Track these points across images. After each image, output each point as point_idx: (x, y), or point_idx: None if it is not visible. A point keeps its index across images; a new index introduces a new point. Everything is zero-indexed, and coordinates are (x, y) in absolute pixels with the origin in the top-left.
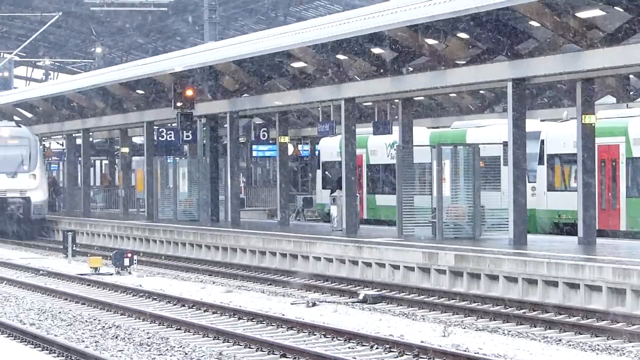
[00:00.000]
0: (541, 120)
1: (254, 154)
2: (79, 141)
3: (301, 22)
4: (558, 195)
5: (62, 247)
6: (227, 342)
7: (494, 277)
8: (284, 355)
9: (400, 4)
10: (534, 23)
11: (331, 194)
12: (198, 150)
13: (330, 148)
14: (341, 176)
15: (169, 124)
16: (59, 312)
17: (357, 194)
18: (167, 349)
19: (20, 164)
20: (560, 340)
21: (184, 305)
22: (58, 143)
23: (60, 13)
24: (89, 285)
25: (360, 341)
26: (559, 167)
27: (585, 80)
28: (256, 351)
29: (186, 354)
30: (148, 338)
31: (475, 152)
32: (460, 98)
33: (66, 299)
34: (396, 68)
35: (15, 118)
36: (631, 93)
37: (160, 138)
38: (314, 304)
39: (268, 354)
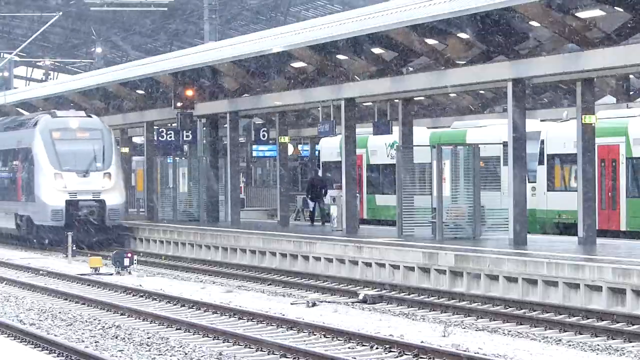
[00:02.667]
0: (541, 120)
1: (254, 154)
2: None
3: (301, 22)
4: (558, 195)
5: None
6: (227, 342)
7: (494, 277)
8: (284, 355)
9: (400, 4)
10: (534, 23)
11: (307, 196)
12: (198, 150)
13: (330, 148)
14: (314, 180)
15: (169, 124)
16: (59, 312)
17: (357, 194)
18: (167, 349)
19: (93, 161)
20: (560, 340)
21: (184, 305)
22: None
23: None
24: (89, 285)
25: (360, 341)
26: (559, 167)
27: (585, 80)
28: (256, 351)
29: (186, 354)
30: (148, 338)
31: (475, 152)
32: (460, 98)
33: (66, 299)
34: (396, 68)
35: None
36: (631, 93)
37: (160, 138)
38: (314, 304)
39: (268, 354)
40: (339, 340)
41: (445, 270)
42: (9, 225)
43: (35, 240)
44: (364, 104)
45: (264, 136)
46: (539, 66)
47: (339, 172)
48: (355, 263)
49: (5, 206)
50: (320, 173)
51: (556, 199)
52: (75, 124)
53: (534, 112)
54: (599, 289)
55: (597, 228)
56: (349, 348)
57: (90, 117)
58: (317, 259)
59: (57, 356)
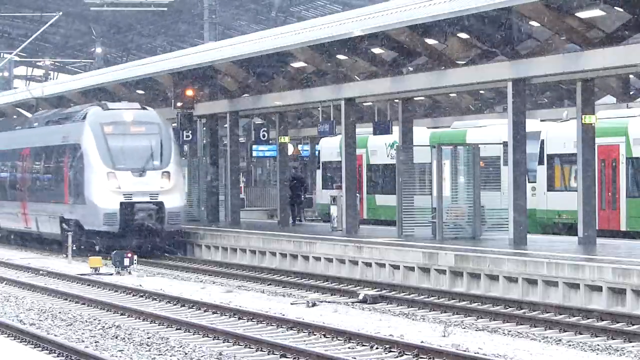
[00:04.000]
0: (541, 120)
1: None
2: None
3: (301, 22)
4: (558, 195)
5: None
6: (227, 342)
7: (494, 277)
8: (284, 355)
9: (400, 4)
10: (534, 23)
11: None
12: (198, 150)
13: (330, 148)
14: (294, 179)
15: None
16: (59, 312)
17: (357, 194)
18: (167, 349)
19: (150, 159)
20: (560, 340)
21: (184, 305)
22: None
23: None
24: (89, 285)
25: (360, 341)
26: (559, 167)
27: (585, 80)
28: (256, 351)
29: (186, 354)
30: (148, 338)
31: (475, 152)
32: (460, 98)
33: (66, 299)
34: (396, 68)
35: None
36: (631, 93)
37: None
38: (314, 304)
39: (268, 354)
40: (339, 340)
41: (445, 270)
42: (53, 230)
43: (83, 247)
44: (364, 104)
45: (264, 136)
46: (539, 66)
47: (339, 172)
48: (355, 263)
49: (49, 209)
50: (300, 172)
51: (556, 199)
52: (130, 116)
53: (534, 112)
54: (599, 289)
55: (597, 228)
56: (349, 348)
57: (146, 109)
58: (317, 259)
59: (57, 356)
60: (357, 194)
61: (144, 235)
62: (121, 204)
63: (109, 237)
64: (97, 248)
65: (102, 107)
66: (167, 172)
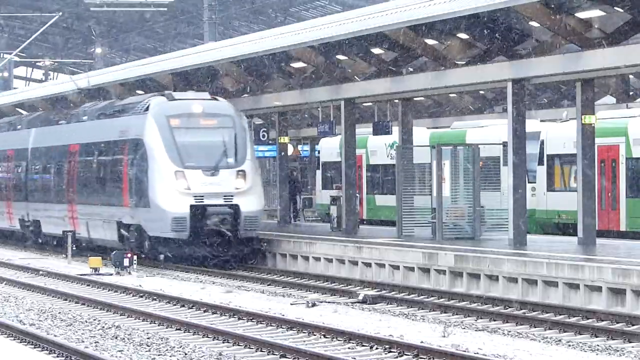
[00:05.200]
0: (541, 120)
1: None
2: None
3: (301, 22)
4: (558, 195)
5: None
6: (227, 342)
7: (493, 278)
8: (283, 356)
9: (400, 4)
10: (534, 23)
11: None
12: None
13: (330, 148)
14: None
15: None
16: (59, 313)
17: (357, 194)
18: (167, 349)
19: (223, 156)
20: (560, 340)
21: (183, 306)
22: None
23: (60, 13)
24: (88, 285)
25: (360, 341)
26: (558, 167)
27: (585, 80)
28: (256, 351)
29: (186, 354)
30: (148, 338)
31: (475, 152)
32: (460, 98)
33: (66, 299)
34: (396, 68)
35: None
36: (631, 93)
37: None
38: (313, 304)
39: (268, 354)
40: (338, 340)
41: (445, 271)
42: (109, 236)
43: (146, 256)
44: (364, 104)
45: (263, 136)
46: (539, 66)
47: (339, 172)
48: (355, 263)
49: (105, 213)
50: (295, 174)
51: (556, 199)
52: (199, 108)
53: (534, 112)
54: (598, 289)
55: (597, 228)
56: (348, 348)
57: (216, 99)
58: (317, 259)
59: (57, 356)
60: (357, 194)
61: (217, 243)
62: (191, 207)
63: (176, 244)
64: (161, 257)
65: (167, 97)
66: (242, 171)
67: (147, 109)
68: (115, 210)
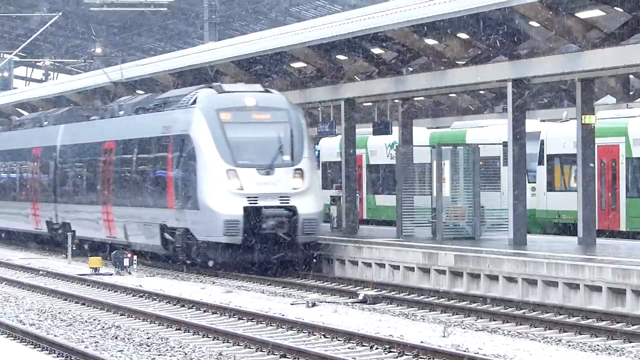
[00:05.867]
0: (541, 120)
1: None
2: None
3: (301, 22)
4: (558, 195)
5: None
6: (227, 342)
7: (493, 278)
8: (283, 356)
9: (400, 4)
10: (534, 23)
11: None
12: None
13: (330, 148)
14: None
15: None
16: (59, 313)
17: (357, 194)
18: (167, 349)
19: (278, 153)
20: (560, 340)
21: (184, 306)
22: None
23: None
24: (88, 285)
25: (360, 341)
26: (558, 167)
27: (585, 80)
28: (256, 351)
29: (186, 354)
30: (148, 338)
31: (475, 152)
32: (460, 98)
33: (66, 299)
34: (396, 68)
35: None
36: (631, 93)
37: None
38: (313, 304)
39: (268, 354)
40: (338, 340)
41: (445, 271)
42: (151, 240)
43: (191, 263)
44: (364, 104)
45: None
46: (539, 66)
47: (339, 172)
48: (355, 263)
49: (146, 215)
50: None
51: (556, 199)
52: (252, 101)
53: (534, 112)
54: (598, 289)
55: (597, 228)
56: (348, 348)
57: (270, 91)
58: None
59: (57, 356)
60: (357, 194)
61: (272, 248)
62: (244, 209)
63: (228, 250)
64: (210, 264)
65: (216, 89)
66: (299, 170)
67: (194, 102)
68: (158, 213)
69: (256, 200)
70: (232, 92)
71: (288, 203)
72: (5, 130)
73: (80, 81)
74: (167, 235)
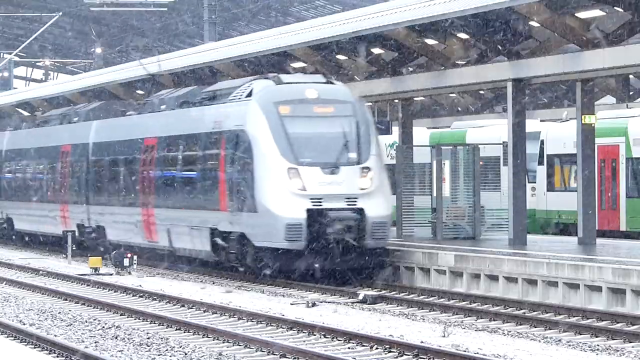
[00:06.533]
0: (541, 120)
1: None
2: None
3: (301, 22)
4: (558, 195)
5: None
6: (227, 342)
7: (493, 277)
8: (283, 356)
9: (400, 4)
10: (534, 23)
11: None
12: None
13: None
14: None
15: None
16: (59, 313)
17: None
18: (167, 349)
19: (344, 150)
20: (560, 340)
21: (184, 306)
22: None
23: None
24: (88, 285)
25: (360, 341)
26: (558, 167)
27: (585, 80)
28: (256, 351)
29: (186, 354)
30: (148, 338)
31: (475, 152)
32: (460, 98)
33: (66, 299)
34: (396, 68)
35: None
36: (631, 93)
37: None
38: (313, 304)
39: (268, 354)
40: (338, 340)
41: (445, 271)
42: (198, 245)
43: (246, 270)
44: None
45: None
46: (539, 66)
47: None
48: None
49: (194, 219)
50: None
51: (556, 199)
52: (313, 93)
53: (534, 112)
54: (598, 289)
55: (597, 228)
56: (348, 348)
57: (333, 83)
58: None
59: (57, 356)
60: None
61: (339, 255)
62: (308, 211)
63: (289, 256)
64: (267, 272)
65: (274, 80)
66: (367, 168)
67: (249, 94)
68: (208, 215)
69: (320, 202)
70: (292, 83)
71: (355, 205)
72: (30, 127)
73: (108, 75)
74: (218, 240)
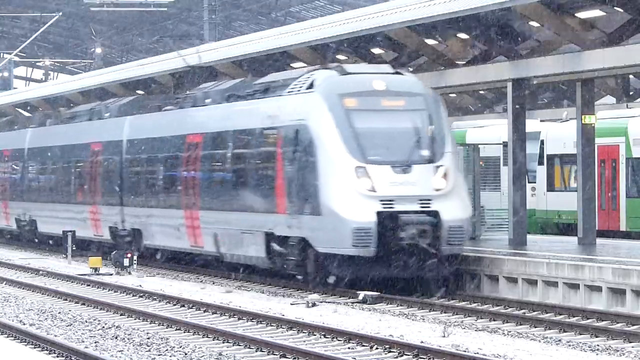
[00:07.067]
0: (541, 120)
1: None
2: None
3: (301, 22)
4: (558, 195)
5: None
6: (227, 342)
7: (493, 278)
8: (283, 356)
9: (400, 4)
10: (534, 23)
11: None
12: None
13: None
14: None
15: None
16: (59, 313)
17: None
18: (167, 349)
19: (415, 147)
20: (560, 340)
21: (183, 306)
22: None
23: (60, 13)
24: (88, 285)
25: (360, 341)
26: (558, 167)
27: (585, 80)
28: (256, 351)
29: (186, 354)
30: (148, 338)
31: (475, 152)
32: (460, 98)
33: (66, 299)
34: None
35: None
36: (631, 93)
37: None
38: (313, 304)
39: (268, 354)
40: (338, 340)
41: None
42: (253, 251)
43: (304, 279)
44: None
45: None
46: (539, 66)
47: None
48: None
49: (246, 222)
50: None
51: (556, 199)
52: (381, 84)
53: (534, 112)
54: (598, 289)
55: (597, 228)
56: (348, 348)
57: (402, 73)
58: None
59: (57, 356)
60: None
61: (412, 262)
62: (378, 214)
63: (357, 264)
64: (331, 280)
65: (338, 71)
66: (442, 167)
67: (310, 85)
68: (262, 219)
69: (392, 204)
70: (358, 73)
71: (430, 207)
72: (55, 124)
73: (145, 67)
74: (274, 246)
